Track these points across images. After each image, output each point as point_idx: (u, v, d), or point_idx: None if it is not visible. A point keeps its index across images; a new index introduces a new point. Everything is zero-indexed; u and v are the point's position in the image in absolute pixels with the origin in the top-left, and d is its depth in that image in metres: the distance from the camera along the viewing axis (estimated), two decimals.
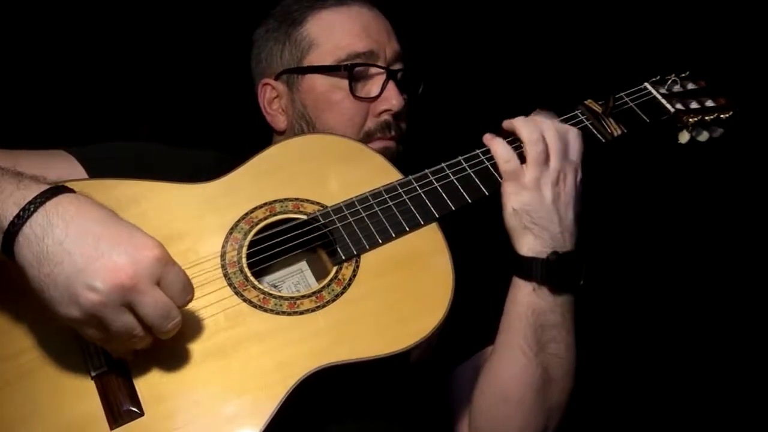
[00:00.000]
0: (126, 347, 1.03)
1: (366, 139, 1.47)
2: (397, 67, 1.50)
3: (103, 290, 0.93)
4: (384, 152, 1.44)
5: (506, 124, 1.32)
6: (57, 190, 0.99)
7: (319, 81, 1.48)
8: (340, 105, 1.46)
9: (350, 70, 1.45)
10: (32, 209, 0.95)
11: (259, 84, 1.57)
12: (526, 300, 1.25)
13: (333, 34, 1.48)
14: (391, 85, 1.47)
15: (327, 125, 1.47)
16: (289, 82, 1.52)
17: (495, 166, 1.30)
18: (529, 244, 1.25)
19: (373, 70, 1.48)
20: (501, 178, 1.28)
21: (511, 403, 1.25)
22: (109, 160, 1.34)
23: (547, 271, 1.24)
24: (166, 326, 0.99)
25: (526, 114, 1.34)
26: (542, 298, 1.25)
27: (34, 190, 0.97)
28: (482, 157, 1.32)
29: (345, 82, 1.45)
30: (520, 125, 1.29)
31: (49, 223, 0.95)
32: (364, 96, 1.47)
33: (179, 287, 1.00)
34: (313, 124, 1.49)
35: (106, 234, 0.96)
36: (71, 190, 1.01)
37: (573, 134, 1.31)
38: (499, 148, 1.29)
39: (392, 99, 1.46)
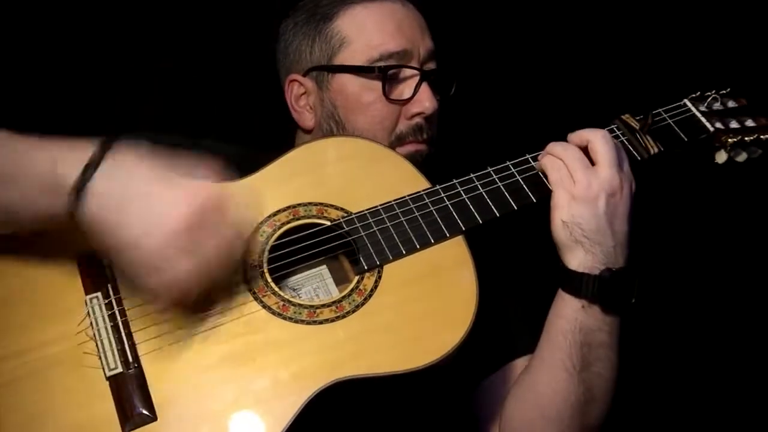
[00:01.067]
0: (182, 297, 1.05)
1: (397, 142, 1.43)
2: (430, 66, 1.45)
3: (187, 211, 1.00)
4: (415, 156, 1.41)
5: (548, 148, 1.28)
6: (109, 142, 1.03)
7: (350, 81, 1.43)
8: (372, 107, 1.42)
9: (384, 73, 1.40)
10: (95, 164, 1.00)
11: (287, 80, 1.52)
12: (573, 316, 1.19)
13: (365, 32, 1.43)
14: (424, 86, 1.42)
15: (357, 127, 1.43)
16: (318, 80, 1.47)
17: (526, 180, 1.26)
18: (579, 259, 1.19)
19: (407, 71, 1.43)
20: (533, 195, 1.24)
21: (548, 420, 1.21)
22: None
23: (599, 289, 1.18)
24: (232, 260, 1.07)
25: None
26: (591, 316, 1.19)
27: (89, 149, 1.02)
28: (513, 170, 1.28)
29: (377, 84, 1.41)
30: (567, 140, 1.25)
31: (114, 177, 1.00)
32: (397, 98, 1.42)
33: (236, 223, 1.07)
34: (342, 124, 1.44)
35: (168, 183, 1.02)
36: (122, 142, 1.04)
37: (620, 144, 1.26)
38: (546, 158, 1.24)
39: (425, 101, 1.41)
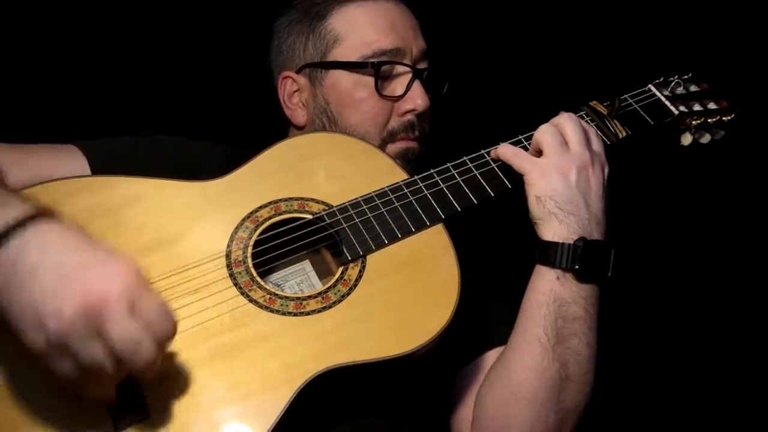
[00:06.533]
0: (100, 388, 0.95)
1: (389, 138, 1.45)
2: (422, 65, 1.47)
3: (70, 315, 0.87)
4: (406, 153, 1.44)
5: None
6: (37, 216, 0.93)
7: (343, 77, 1.45)
8: (365, 103, 1.44)
9: (377, 68, 1.42)
10: (9, 237, 0.91)
11: (280, 77, 1.53)
12: (547, 288, 1.19)
13: (359, 29, 1.45)
14: (416, 84, 1.44)
15: (350, 123, 1.44)
16: (311, 77, 1.49)
17: (501, 167, 1.29)
18: (554, 230, 1.19)
19: (399, 68, 1.45)
20: (508, 181, 1.27)
21: (521, 400, 1.17)
22: (116, 157, 1.32)
23: (572, 258, 1.17)
24: (135, 359, 0.90)
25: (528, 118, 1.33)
26: (566, 287, 1.19)
27: (13, 216, 0.92)
28: (488, 158, 1.31)
29: (370, 80, 1.43)
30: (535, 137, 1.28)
31: (25, 250, 0.90)
32: (389, 94, 1.44)
33: (155, 313, 0.92)
34: (335, 120, 1.46)
35: (79, 261, 0.91)
36: (54, 217, 0.95)
37: (592, 130, 1.30)
38: (502, 149, 1.28)
39: (417, 99, 1.43)
